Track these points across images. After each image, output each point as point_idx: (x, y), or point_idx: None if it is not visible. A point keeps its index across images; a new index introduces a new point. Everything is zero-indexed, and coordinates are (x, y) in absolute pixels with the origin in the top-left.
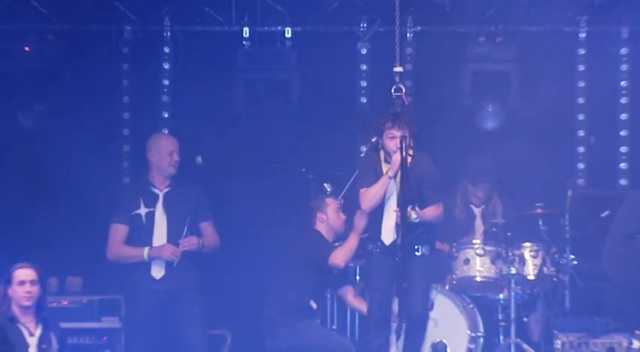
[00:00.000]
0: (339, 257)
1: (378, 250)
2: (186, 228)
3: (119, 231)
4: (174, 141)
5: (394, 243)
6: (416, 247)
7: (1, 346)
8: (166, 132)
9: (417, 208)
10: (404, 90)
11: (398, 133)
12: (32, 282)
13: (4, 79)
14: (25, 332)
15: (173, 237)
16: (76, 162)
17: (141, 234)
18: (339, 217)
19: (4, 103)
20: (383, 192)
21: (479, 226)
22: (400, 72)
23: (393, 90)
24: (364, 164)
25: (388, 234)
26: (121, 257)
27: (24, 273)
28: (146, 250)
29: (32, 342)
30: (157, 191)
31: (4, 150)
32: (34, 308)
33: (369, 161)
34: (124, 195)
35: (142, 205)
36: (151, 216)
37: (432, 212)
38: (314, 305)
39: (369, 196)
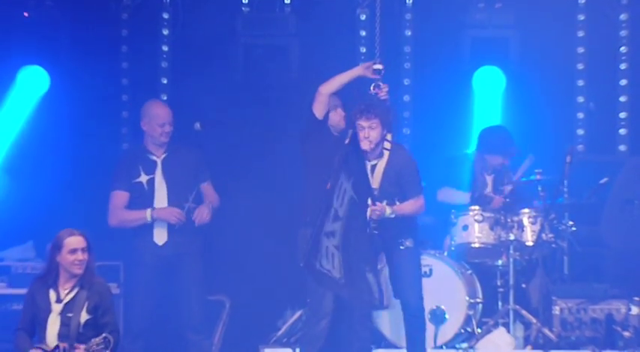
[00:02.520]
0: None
1: None
2: (192, 195)
3: (120, 197)
4: (167, 112)
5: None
6: (400, 241)
7: (29, 307)
8: (165, 98)
9: (397, 202)
10: (385, 88)
11: (366, 124)
12: (83, 250)
13: (5, 45)
14: (53, 298)
15: (174, 201)
16: (75, 128)
17: (142, 200)
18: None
19: (6, 69)
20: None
21: (488, 194)
22: (380, 69)
23: (372, 88)
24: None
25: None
26: (124, 221)
27: (75, 241)
28: (149, 211)
29: (56, 308)
30: (154, 158)
31: (5, 116)
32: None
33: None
34: (122, 163)
35: (142, 173)
36: (151, 182)
37: (410, 206)
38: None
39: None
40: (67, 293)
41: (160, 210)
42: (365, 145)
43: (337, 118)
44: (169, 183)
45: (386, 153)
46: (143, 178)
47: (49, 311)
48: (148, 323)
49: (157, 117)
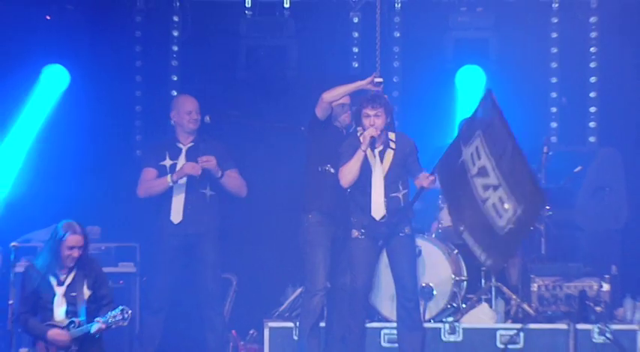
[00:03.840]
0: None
1: (362, 237)
2: (211, 183)
3: (149, 173)
4: (193, 102)
5: (383, 218)
6: (400, 229)
7: (31, 294)
8: (175, 94)
9: (400, 187)
10: (385, 97)
11: (372, 112)
12: (79, 248)
13: (28, 46)
14: (54, 282)
15: (192, 187)
16: (92, 121)
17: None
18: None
19: (29, 69)
20: (358, 165)
21: None
22: (381, 82)
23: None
24: (344, 145)
25: (378, 208)
26: (150, 188)
27: (74, 240)
28: (169, 176)
29: (60, 291)
30: (180, 145)
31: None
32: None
33: (350, 142)
34: (152, 146)
35: (167, 157)
36: (173, 167)
37: (428, 178)
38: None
39: (345, 171)
40: (67, 276)
41: (177, 171)
42: (372, 132)
43: (344, 116)
44: None
45: (393, 139)
46: (167, 162)
47: (53, 294)
48: (168, 298)
49: (184, 105)
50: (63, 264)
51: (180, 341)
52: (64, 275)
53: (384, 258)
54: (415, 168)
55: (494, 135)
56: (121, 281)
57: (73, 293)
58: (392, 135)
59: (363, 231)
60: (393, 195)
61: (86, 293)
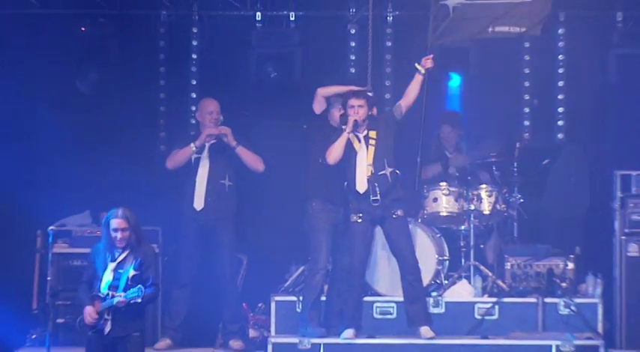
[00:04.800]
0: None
1: (360, 220)
2: (229, 174)
3: (178, 151)
4: (215, 103)
5: (367, 192)
6: (393, 211)
7: (91, 265)
8: (194, 96)
9: (385, 164)
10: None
11: (356, 103)
12: (123, 229)
13: (65, 53)
14: (109, 258)
15: (212, 179)
16: (122, 120)
17: (187, 171)
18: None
19: (66, 73)
20: (342, 144)
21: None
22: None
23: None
24: (334, 136)
25: (361, 183)
26: (176, 157)
27: (115, 223)
28: (192, 144)
29: (111, 266)
30: (206, 142)
31: (66, 109)
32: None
33: (338, 134)
34: (182, 139)
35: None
36: (198, 160)
37: (427, 59)
38: None
39: (331, 150)
40: (119, 255)
41: (199, 139)
42: (355, 116)
43: (337, 115)
44: (211, 163)
45: (373, 121)
46: (193, 155)
47: (105, 267)
48: (193, 274)
49: (206, 106)
50: (115, 245)
51: (199, 311)
52: (118, 254)
53: (381, 240)
54: (399, 102)
55: None
56: (166, 258)
57: (120, 270)
58: (374, 111)
59: (360, 215)
60: (381, 173)
61: (131, 272)
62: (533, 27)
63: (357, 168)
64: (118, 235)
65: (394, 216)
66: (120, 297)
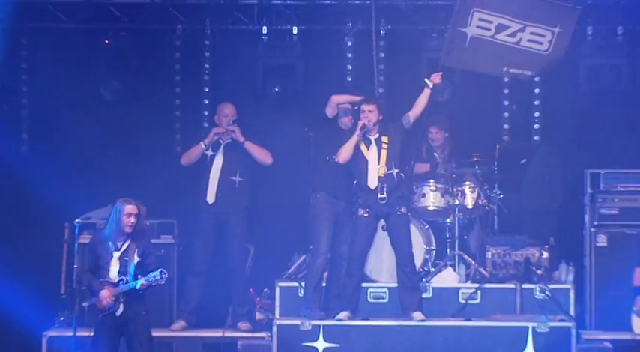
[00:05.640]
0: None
1: (367, 215)
2: (240, 171)
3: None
4: (230, 107)
5: (376, 189)
6: (397, 208)
7: (92, 254)
8: (207, 102)
9: (393, 166)
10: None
11: (367, 108)
12: (135, 215)
13: (90, 63)
14: (112, 247)
15: (225, 175)
16: (141, 123)
17: (202, 166)
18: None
19: (91, 82)
20: (352, 145)
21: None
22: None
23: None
24: (345, 139)
25: (372, 179)
26: (189, 154)
27: (130, 208)
28: (202, 143)
29: (116, 254)
30: (220, 141)
31: (92, 115)
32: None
33: (349, 137)
34: (199, 139)
35: (209, 149)
36: (212, 157)
37: (437, 76)
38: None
39: (342, 150)
40: (122, 244)
41: (208, 137)
42: (365, 121)
43: (347, 120)
44: (224, 161)
45: (384, 128)
46: (209, 152)
47: (110, 256)
48: (207, 263)
49: (223, 110)
50: (123, 231)
51: (211, 296)
52: (121, 243)
53: (380, 233)
54: (408, 113)
55: (488, 2)
56: (162, 250)
57: (126, 258)
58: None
59: (367, 210)
60: (388, 172)
61: (136, 259)
62: (542, 71)
63: (369, 167)
64: (132, 220)
65: (398, 213)
66: (142, 280)
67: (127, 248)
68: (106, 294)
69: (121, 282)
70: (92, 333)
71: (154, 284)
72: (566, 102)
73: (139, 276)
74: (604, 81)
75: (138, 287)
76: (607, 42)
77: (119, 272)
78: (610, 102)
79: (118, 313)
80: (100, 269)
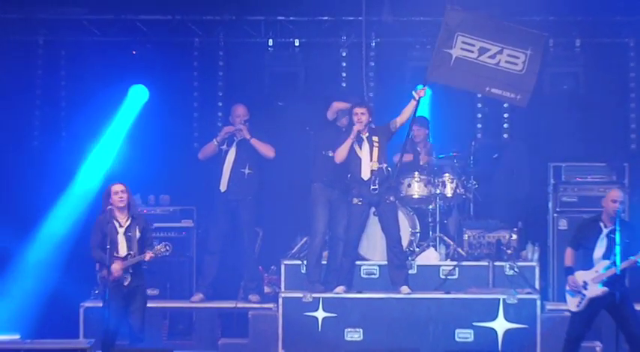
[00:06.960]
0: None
1: (360, 203)
2: (250, 164)
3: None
4: (242, 108)
5: (369, 180)
6: (386, 197)
7: (98, 233)
8: (220, 104)
9: (382, 161)
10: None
11: (359, 111)
12: (122, 192)
13: (121, 70)
14: (117, 224)
15: (236, 167)
16: (163, 123)
17: (217, 160)
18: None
19: (121, 87)
20: (347, 148)
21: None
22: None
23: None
24: (341, 139)
25: (366, 173)
26: (204, 150)
27: (116, 187)
28: (214, 140)
29: (121, 231)
30: (235, 138)
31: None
32: (126, 208)
33: (344, 138)
34: (216, 136)
35: (225, 144)
36: (226, 152)
37: (421, 91)
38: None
39: (338, 151)
40: (125, 222)
41: (219, 135)
42: (358, 127)
43: (344, 120)
44: (236, 155)
45: (374, 130)
46: (223, 147)
47: (116, 233)
48: (221, 244)
49: (236, 110)
50: (118, 206)
51: (225, 272)
52: (124, 221)
53: (372, 218)
54: (395, 119)
55: (470, 26)
56: (184, 233)
57: (130, 234)
58: (373, 126)
59: (361, 198)
60: (379, 166)
61: (137, 234)
62: (522, 97)
63: (363, 162)
64: (120, 196)
65: (387, 201)
66: (149, 253)
67: (129, 225)
68: (116, 267)
69: (129, 256)
70: (105, 301)
71: (159, 255)
72: (532, 105)
73: (146, 250)
74: (564, 86)
75: (147, 259)
76: (566, 53)
77: (127, 246)
78: (569, 104)
79: (126, 283)
80: (110, 244)
